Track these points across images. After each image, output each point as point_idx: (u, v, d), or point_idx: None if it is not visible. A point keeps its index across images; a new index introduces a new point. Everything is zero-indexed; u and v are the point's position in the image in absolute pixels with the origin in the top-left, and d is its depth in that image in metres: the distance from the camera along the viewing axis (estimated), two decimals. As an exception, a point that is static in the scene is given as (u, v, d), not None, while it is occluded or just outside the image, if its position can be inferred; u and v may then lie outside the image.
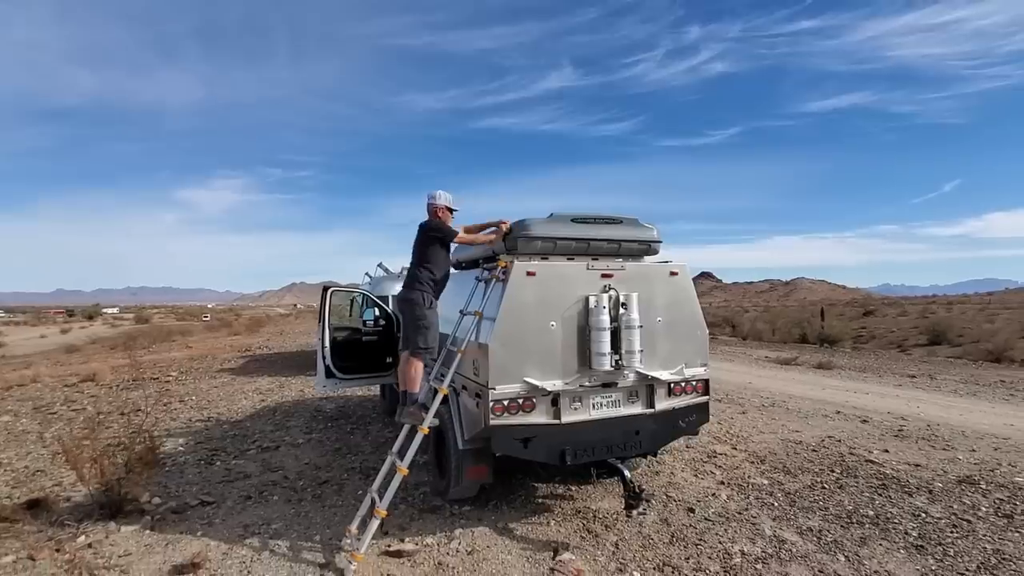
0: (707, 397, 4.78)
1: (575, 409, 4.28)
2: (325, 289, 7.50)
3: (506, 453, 4.14)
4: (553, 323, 4.20)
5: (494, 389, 4.00)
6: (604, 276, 4.37)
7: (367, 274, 19.12)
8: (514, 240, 4.29)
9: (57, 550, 4.07)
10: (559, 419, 4.19)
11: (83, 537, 4.27)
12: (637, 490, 4.15)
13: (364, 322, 8.02)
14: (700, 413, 4.77)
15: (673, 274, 4.67)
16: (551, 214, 4.43)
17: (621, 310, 4.27)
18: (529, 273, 4.15)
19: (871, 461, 6.21)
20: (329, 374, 7.40)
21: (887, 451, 6.64)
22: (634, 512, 4.19)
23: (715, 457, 6.39)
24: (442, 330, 5.40)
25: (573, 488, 5.34)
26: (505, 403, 4.04)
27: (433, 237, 4.55)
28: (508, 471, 5.43)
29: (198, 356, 18.72)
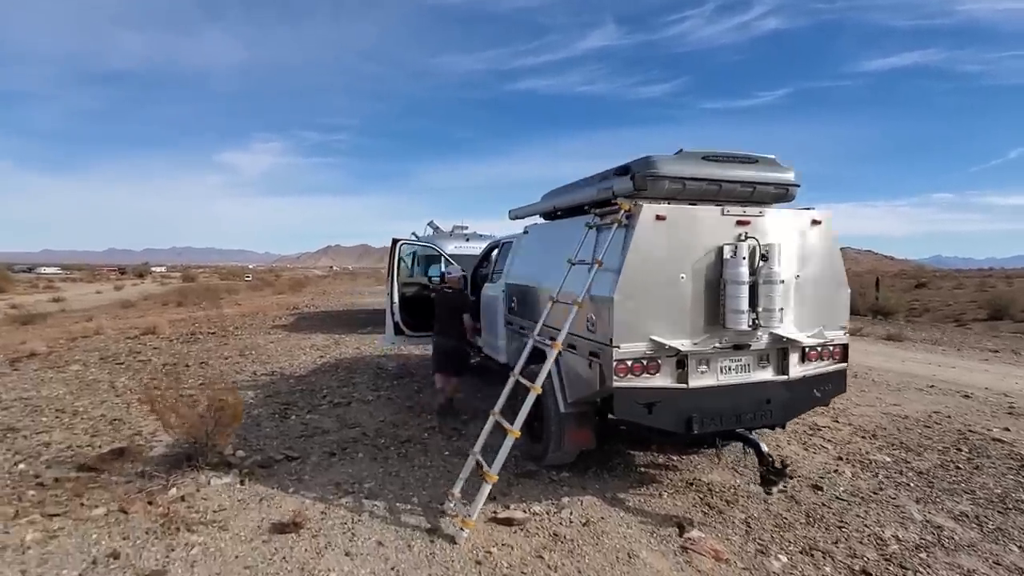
0: (845, 364, 4.23)
1: (702, 373, 3.80)
2: (394, 242, 7.14)
3: (627, 418, 3.71)
4: (683, 275, 3.69)
5: (618, 347, 3.54)
6: (740, 223, 3.81)
7: (413, 234, 18.86)
8: (643, 179, 3.73)
9: (150, 503, 3.89)
10: (686, 383, 3.73)
11: (174, 490, 4.09)
12: (780, 465, 3.69)
13: (430, 279, 7.67)
14: (837, 382, 4.23)
15: (815, 223, 4.06)
16: (680, 150, 3.85)
17: (760, 262, 3.72)
18: (659, 217, 3.62)
19: (998, 440, 5.58)
20: (398, 330, 7.11)
21: (1008, 429, 5.99)
22: (774, 489, 3.74)
23: (819, 430, 5.86)
24: (534, 283, 4.97)
25: (674, 458, 4.93)
26: (629, 363, 3.59)
27: None
28: (601, 437, 5.06)
29: (249, 313, 18.95)
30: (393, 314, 7.09)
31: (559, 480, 4.43)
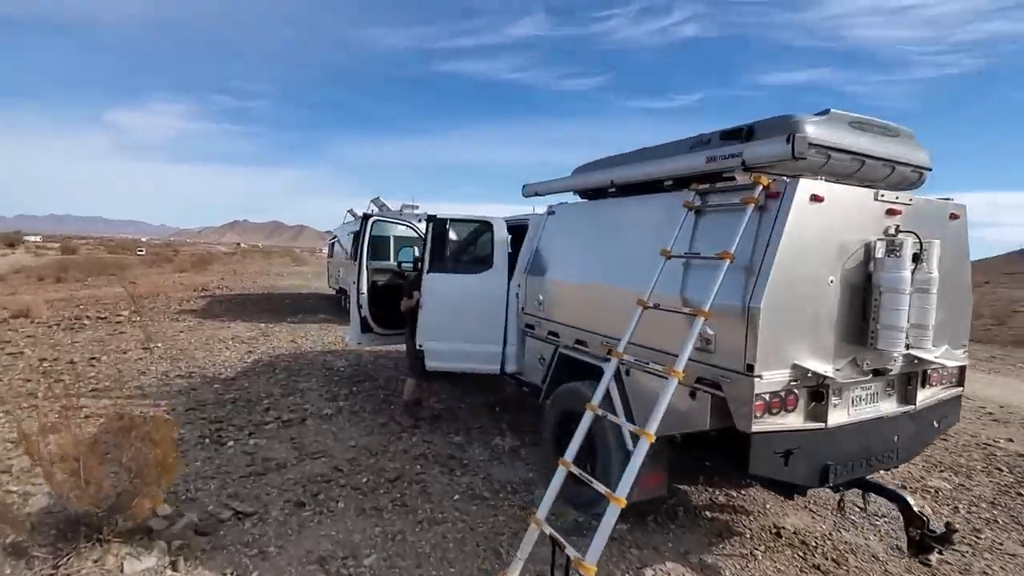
0: (961, 389, 3.54)
1: (835, 406, 2.91)
2: (366, 217, 5.73)
3: (762, 474, 2.74)
4: (832, 278, 2.75)
5: (760, 377, 2.54)
6: (891, 212, 2.93)
7: (349, 211, 16.97)
8: (803, 144, 2.67)
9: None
10: (824, 421, 2.81)
11: (60, 586, 2.61)
12: (944, 527, 2.89)
13: (400, 264, 6.32)
14: (953, 411, 3.53)
15: (954, 217, 3.29)
16: (827, 110, 2.88)
17: (912, 264, 2.87)
18: (815, 198, 2.64)
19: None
20: (366, 327, 5.74)
21: None
22: (933, 557, 2.94)
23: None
24: (574, 278, 3.89)
25: (732, 494, 4.07)
26: (767, 398, 2.60)
27: None
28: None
29: (147, 294, 16.17)
30: (361, 307, 5.69)
31: (620, 537, 3.40)
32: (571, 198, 4.69)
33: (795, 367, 2.65)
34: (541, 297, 4.28)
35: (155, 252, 47.00)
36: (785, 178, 2.65)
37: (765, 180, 2.67)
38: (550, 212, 4.53)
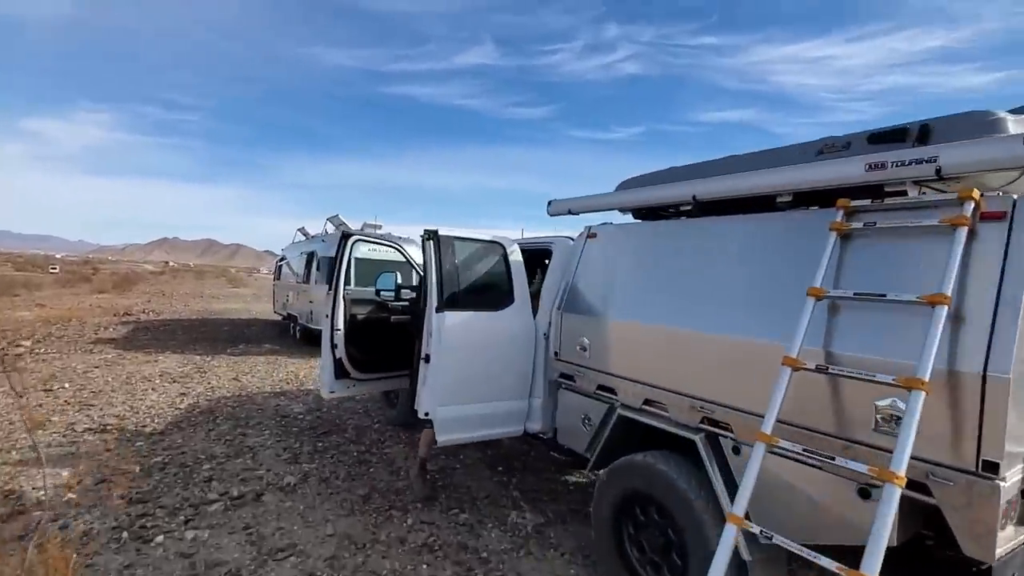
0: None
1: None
2: (345, 237, 4.67)
3: None
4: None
5: (1004, 480, 1.73)
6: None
7: (300, 230, 15.55)
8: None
9: None
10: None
11: None
12: None
13: (379, 292, 5.28)
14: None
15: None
16: (1025, 107, 2.19)
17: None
18: (1046, 219, 1.91)
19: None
20: (340, 371, 4.63)
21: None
22: None
23: None
24: (641, 319, 3.03)
25: None
26: (1006, 507, 1.79)
27: None
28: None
29: (57, 319, 14.00)
30: (335, 347, 4.56)
31: None
32: (610, 219, 3.86)
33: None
34: (586, 341, 3.37)
35: (71, 270, 42.62)
36: (1012, 194, 1.89)
37: (973, 193, 1.91)
38: (590, 235, 3.66)
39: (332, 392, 4.60)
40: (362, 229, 12.08)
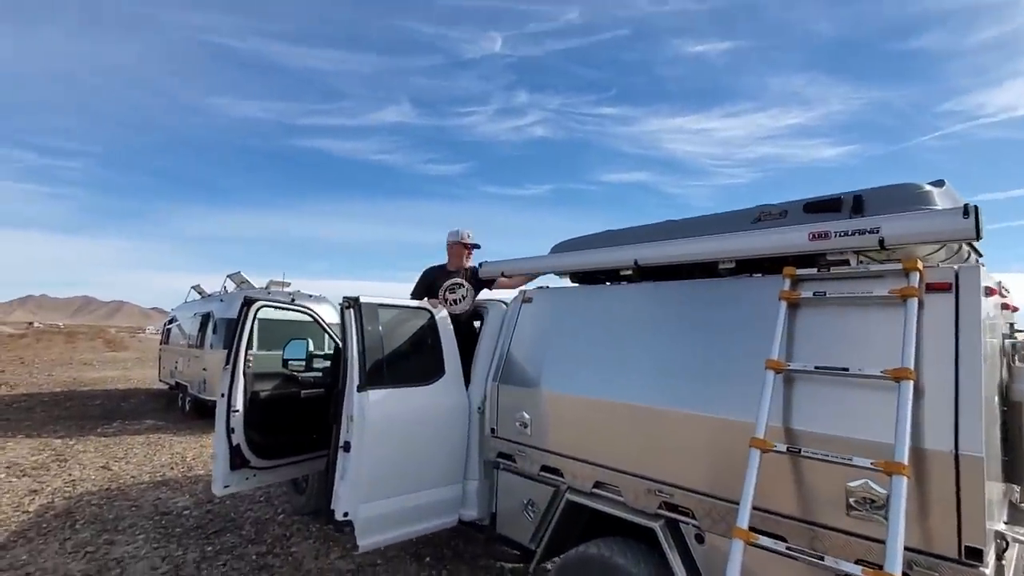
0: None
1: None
2: (248, 303, 4.15)
3: None
4: (996, 399, 2.03)
5: (986, 567, 1.63)
6: (1006, 307, 2.39)
7: (195, 288, 14.18)
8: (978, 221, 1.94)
9: None
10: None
11: None
12: None
13: (286, 362, 4.73)
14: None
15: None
16: (941, 181, 2.27)
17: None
18: (989, 292, 1.94)
19: None
20: (238, 461, 4.00)
21: None
22: None
23: None
24: (583, 392, 2.84)
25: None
26: (991, 591, 1.70)
27: None
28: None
29: None
30: (231, 432, 3.92)
31: None
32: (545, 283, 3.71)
33: (997, 538, 1.81)
34: (526, 416, 3.09)
35: (-102, 336, 35.84)
36: (954, 266, 1.92)
37: (915, 264, 1.92)
38: (525, 299, 3.46)
39: (226, 487, 3.89)
40: (268, 287, 11.19)
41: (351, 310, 3.19)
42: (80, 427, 9.37)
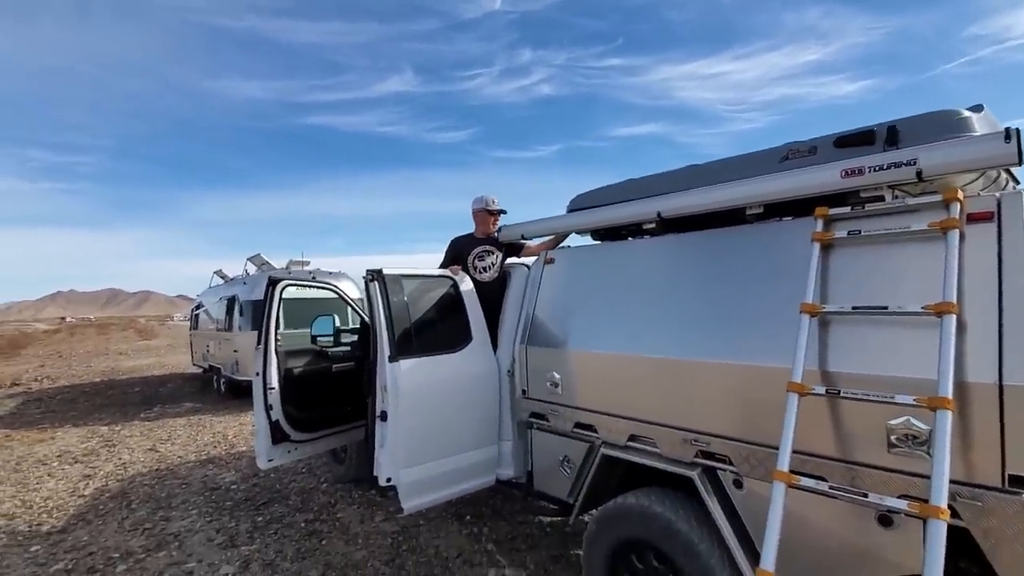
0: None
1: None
2: (273, 283, 4.21)
3: None
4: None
5: (1037, 502, 1.63)
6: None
7: (217, 273, 14.41)
8: None
9: None
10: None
11: None
12: None
13: (315, 338, 4.81)
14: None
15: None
16: (980, 106, 2.17)
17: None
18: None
19: None
20: (279, 435, 4.13)
21: None
22: None
23: None
24: (611, 348, 2.83)
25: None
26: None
27: None
28: None
29: (-77, 399, 12.03)
30: (269, 409, 4.04)
31: None
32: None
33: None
34: (557, 376, 3.12)
35: (-59, 339, 37.40)
36: (995, 194, 1.84)
37: (962, 196, 1.85)
38: (548, 260, 3.44)
39: (271, 461, 4.05)
40: (288, 267, 11.32)
41: (375, 283, 3.21)
42: (123, 413, 9.75)
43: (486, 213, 4.03)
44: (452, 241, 4.04)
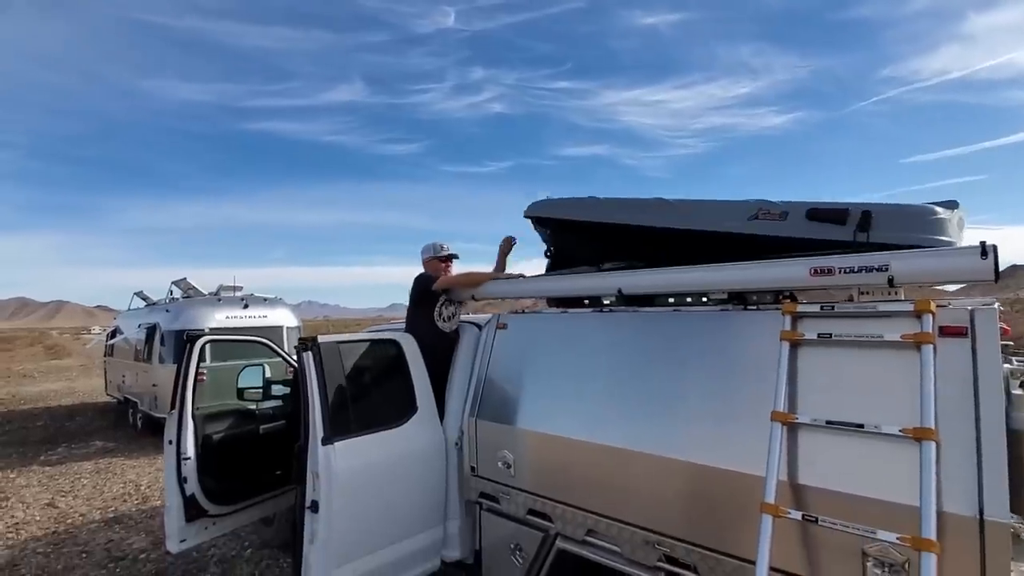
0: None
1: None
2: (190, 341, 3.78)
3: None
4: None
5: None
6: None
7: (139, 295, 13.30)
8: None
9: None
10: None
11: None
12: None
13: (241, 392, 4.38)
14: None
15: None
16: (954, 202, 2.11)
17: None
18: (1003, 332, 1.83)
19: None
20: (194, 512, 3.68)
21: None
22: None
23: None
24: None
25: None
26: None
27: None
28: None
29: None
30: (183, 482, 3.58)
31: None
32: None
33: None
34: (509, 456, 2.89)
35: None
36: (966, 306, 1.78)
37: (934, 307, 1.78)
38: (500, 325, 3.23)
39: (183, 542, 3.57)
40: (218, 292, 10.55)
41: (308, 353, 2.87)
42: (21, 455, 8.69)
43: (437, 262, 3.77)
44: (421, 279, 3.70)
